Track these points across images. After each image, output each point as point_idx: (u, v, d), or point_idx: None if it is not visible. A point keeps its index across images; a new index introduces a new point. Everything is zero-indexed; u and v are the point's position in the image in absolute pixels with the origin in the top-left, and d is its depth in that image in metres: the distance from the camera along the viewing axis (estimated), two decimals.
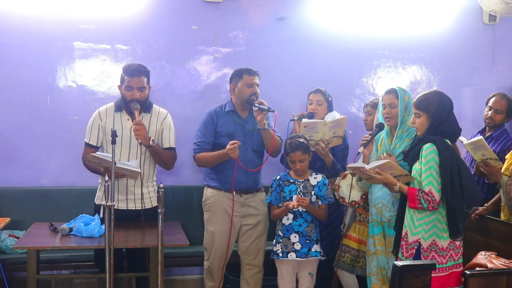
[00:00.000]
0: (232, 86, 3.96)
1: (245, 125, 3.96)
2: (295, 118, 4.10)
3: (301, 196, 3.75)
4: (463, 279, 3.07)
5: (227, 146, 3.74)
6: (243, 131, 3.94)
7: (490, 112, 4.23)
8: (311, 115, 4.11)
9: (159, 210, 3.12)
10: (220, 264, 3.96)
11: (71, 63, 4.58)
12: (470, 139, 3.96)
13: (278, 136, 4.04)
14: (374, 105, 4.04)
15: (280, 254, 3.76)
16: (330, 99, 4.25)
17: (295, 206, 3.69)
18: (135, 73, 3.71)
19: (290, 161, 3.79)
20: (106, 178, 3.02)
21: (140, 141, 3.62)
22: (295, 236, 3.76)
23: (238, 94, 3.92)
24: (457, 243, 3.16)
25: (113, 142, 3.10)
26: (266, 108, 3.89)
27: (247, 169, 3.91)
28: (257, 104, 3.90)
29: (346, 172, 3.92)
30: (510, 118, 4.28)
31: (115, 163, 3.14)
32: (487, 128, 4.34)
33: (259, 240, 4.03)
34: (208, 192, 4.00)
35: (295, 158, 3.76)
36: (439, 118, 3.16)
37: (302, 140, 3.78)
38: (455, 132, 3.24)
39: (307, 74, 4.91)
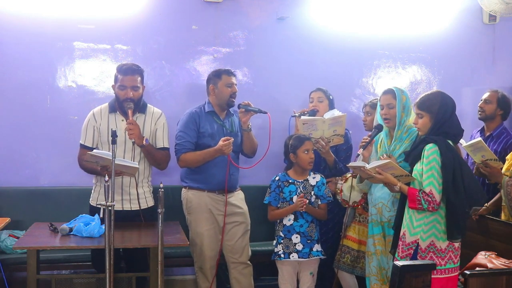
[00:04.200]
0: (211, 86, 3.97)
1: (224, 126, 3.97)
2: (296, 114, 4.11)
3: (302, 195, 3.76)
4: (463, 279, 3.06)
5: (220, 142, 3.73)
6: (223, 132, 3.95)
7: (480, 103, 4.32)
8: (313, 113, 4.13)
9: (159, 210, 3.11)
10: (212, 264, 3.96)
11: (71, 63, 4.58)
12: (470, 138, 3.97)
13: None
14: (373, 105, 4.04)
15: (282, 255, 3.76)
16: (331, 98, 4.30)
17: (301, 207, 3.69)
18: (128, 71, 3.71)
19: (304, 151, 3.76)
20: (106, 178, 3.02)
21: (133, 140, 3.62)
22: (296, 237, 3.75)
23: (218, 95, 3.94)
24: (456, 245, 3.14)
25: (113, 142, 3.09)
26: (257, 109, 3.92)
27: (238, 166, 3.94)
28: (242, 105, 3.94)
29: (348, 176, 3.92)
30: (503, 111, 4.30)
31: (114, 161, 3.13)
32: (485, 127, 4.36)
33: (244, 237, 4.03)
34: (190, 194, 3.97)
35: (310, 146, 3.78)
36: (442, 118, 3.15)
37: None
38: (458, 132, 3.23)
39: (307, 74, 4.91)
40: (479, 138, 3.87)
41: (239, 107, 3.98)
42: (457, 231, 3.10)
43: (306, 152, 3.77)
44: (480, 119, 4.36)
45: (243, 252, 4.03)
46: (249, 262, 4.06)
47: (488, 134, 4.29)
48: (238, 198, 4.06)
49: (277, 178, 3.86)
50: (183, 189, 4.03)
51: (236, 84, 3.98)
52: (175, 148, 3.92)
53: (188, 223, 4.00)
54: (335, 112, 4.01)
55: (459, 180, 3.05)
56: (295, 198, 3.76)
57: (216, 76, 3.97)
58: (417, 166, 3.17)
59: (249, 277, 4.06)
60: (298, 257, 3.73)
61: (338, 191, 3.91)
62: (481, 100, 4.35)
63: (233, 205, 3.99)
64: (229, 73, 3.97)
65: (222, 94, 3.93)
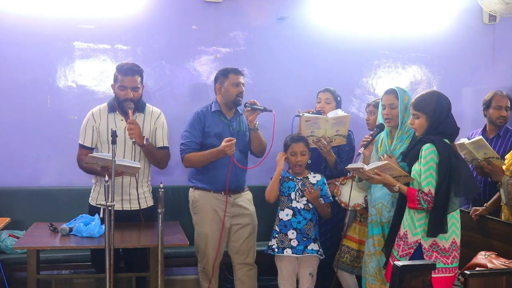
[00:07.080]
0: (218, 85, 3.95)
1: (231, 125, 3.96)
2: (301, 114, 4.09)
3: (299, 193, 3.77)
4: (463, 279, 3.06)
5: (223, 143, 3.71)
6: (230, 131, 3.93)
7: (501, 111, 4.30)
8: (318, 114, 4.10)
9: (159, 210, 3.11)
10: (216, 265, 3.94)
11: (71, 63, 4.58)
12: (471, 138, 3.99)
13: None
14: (377, 105, 4.01)
15: (276, 250, 3.76)
16: (339, 99, 4.27)
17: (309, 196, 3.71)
18: (129, 72, 3.71)
19: (292, 153, 3.78)
20: (106, 178, 3.01)
21: (134, 140, 3.62)
22: (292, 233, 3.75)
23: (225, 94, 3.92)
24: (458, 243, 3.13)
25: (113, 142, 3.09)
26: (262, 108, 3.91)
27: (241, 166, 3.91)
28: (248, 104, 3.93)
29: (347, 176, 3.93)
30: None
31: (115, 161, 3.13)
32: (488, 127, 4.38)
33: (250, 239, 4.02)
34: (196, 194, 3.96)
35: (297, 149, 3.78)
36: (438, 118, 3.15)
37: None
38: (454, 131, 3.22)
39: (307, 74, 4.92)
40: (480, 137, 3.87)
41: (245, 106, 3.96)
42: (438, 227, 3.05)
43: (292, 154, 3.79)
44: (498, 126, 4.35)
45: (249, 253, 4.02)
46: (254, 264, 4.05)
47: (494, 134, 4.32)
48: (245, 199, 4.03)
49: None
50: (190, 189, 4.03)
51: (243, 84, 3.94)
52: (180, 148, 3.91)
53: (194, 223, 4.01)
54: (339, 112, 3.99)
55: (452, 179, 3.04)
56: (293, 195, 3.78)
57: (223, 75, 3.94)
58: (415, 166, 3.16)
59: (254, 279, 4.05)
60: (292, 253, 3.73)
61: (336, 192, 3.91)
62: (498, 106, 4.29)
63: (239, 206, 3.98)
64: (237, 72, 3.94)
65: (228, 93, 3.90)
